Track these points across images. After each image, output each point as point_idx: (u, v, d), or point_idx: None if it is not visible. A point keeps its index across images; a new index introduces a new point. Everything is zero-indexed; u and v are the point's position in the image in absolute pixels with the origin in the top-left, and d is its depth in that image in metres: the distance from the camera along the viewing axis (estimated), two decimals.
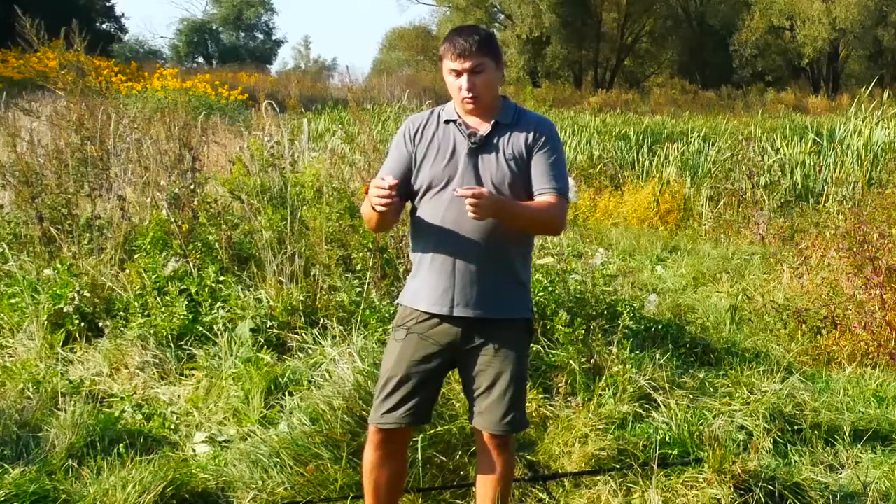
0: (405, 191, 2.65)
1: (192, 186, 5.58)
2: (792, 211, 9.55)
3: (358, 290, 4.55)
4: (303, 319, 4.42)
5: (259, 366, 3.93)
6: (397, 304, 2.80)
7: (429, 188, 2.60)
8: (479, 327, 2.60)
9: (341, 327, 4.25)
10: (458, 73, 2.54)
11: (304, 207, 5.02)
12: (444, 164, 2.58)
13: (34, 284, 4.84)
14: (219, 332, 4.24)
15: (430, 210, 2.60)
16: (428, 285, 2.61)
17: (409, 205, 2.74)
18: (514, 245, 2.60)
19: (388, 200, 2.43)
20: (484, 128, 2.60)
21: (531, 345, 3.89)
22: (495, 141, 2.59)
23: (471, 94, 2.54)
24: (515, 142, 2.60)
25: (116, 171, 5.96)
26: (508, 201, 2.54)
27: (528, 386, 3.71)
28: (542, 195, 2.59)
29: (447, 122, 2.63)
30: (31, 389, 4.08)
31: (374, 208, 2.47)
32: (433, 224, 2.58)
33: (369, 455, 2.74)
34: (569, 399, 3.77)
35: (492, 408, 2.63)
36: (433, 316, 2.61)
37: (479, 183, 2.55)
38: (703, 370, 4.37)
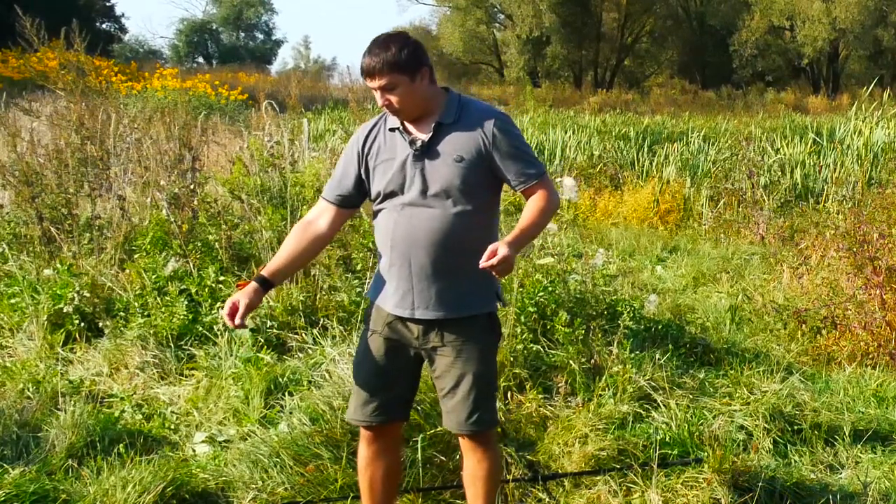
0: (353, 203, 2.72)
1: (192, 186, 5.57)
2: (792, 211, 9.53)
3: (358, 290, 4.55)
4: (303, 319, 4.42)
5: (259, 366, 3.93)
6: (366, 296, 2.83)
7: (383, 197, 2.61)
8: (437, 326, 2.61)
9: (341, 327, 4.26)
10: (374, 90, 2.53)
11: (304, 207, 5.02)
12: (392, 173, 2.57)
13: (34, 284, 4.84)
14: (219, 332, 4.25)
15: (385, 215, 2.61)
16: (391, 287, 2.63)
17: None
18: (469, 244, 2.53)
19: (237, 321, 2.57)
20: (426, 131, 2.57)
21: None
22: (439, 144, 2.56)
23: (389, 111, 2.55)
24: (460, 142, 2.55)
25: (116, 171, 5.96)
26: (517, 237, 2.51)
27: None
28: (522, 187, 2.60)
29: (391, 129, 2.62)
30: (31, 389, 4.08)
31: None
32: (389, 228, 2.59)
33: (362, 452, 2.78)
34: (569, 399, 3.77)
35: (457, 408, 2.64)
36: (396, 316, 2.63)
37: (427, 188, 2.54)
38: (703, 370, 4.37)
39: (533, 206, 2.59)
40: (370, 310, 2.73)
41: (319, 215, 2.72)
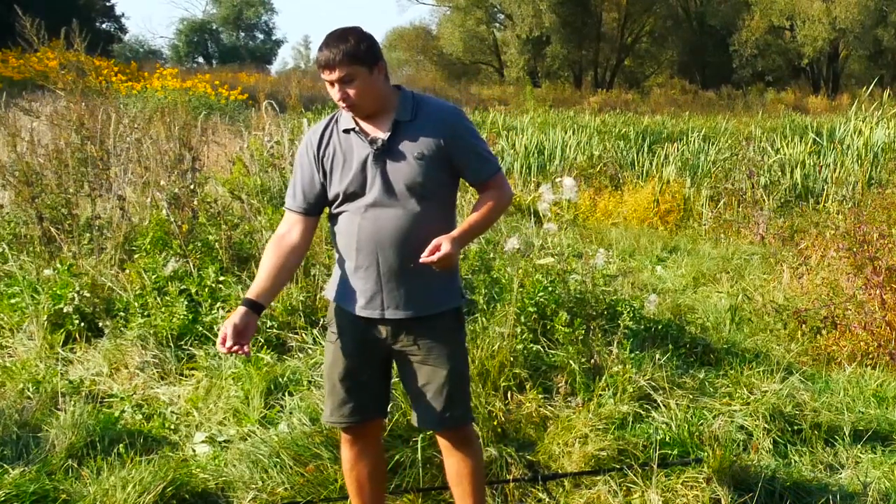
0: (318, 209, 2.66)
1: (192, 186, 5.57)
2: (792, 211, 9.53)
3: None
4: (303, 319, 4.43)
5: (259, 366, 3.93)
6: (325, 297, 2.79)
7: (343, 199, 2.57)
8: (407, 325, 2.59)
9: None
10: (331, 83, 2.49)
11: None
12: (351, 175, 2.54)
13: (34, 284, 4.85)
14: (219, 333, 4.23)
15: (347, 220, 2.58)
16: (356, 290, 2.59)
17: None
18: (434, 238, 2.51)
19: (233, 350, 2.50)
20: (383, 130, 2.54)
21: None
22: (399, 143, 2.53)
23: (345, 104, 2.50)
24: (420, 140, 2.53)
25: (116, 171, 5.95)
26: (464, 231, 2.53)
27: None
28: (478, 183, 2.63)
29: (346, 130, 2.58)
30: (31, 389, 4.08)
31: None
32: (352, 231, 2.56)
33: (345, 454, 2.79)
34: (569, 399, 3.77)
35: (429, 407, 2.64)
36: (364, 318, 2.61)
37: (390, 187, 2.52)
38: (703, 370, 4.37)
39: (485, 202, 2.61)
40: (333, 311, 2.70)
41: (290, 228, 2.66)
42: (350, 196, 2.56)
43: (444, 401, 2.62)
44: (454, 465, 2.73)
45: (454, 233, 2.50)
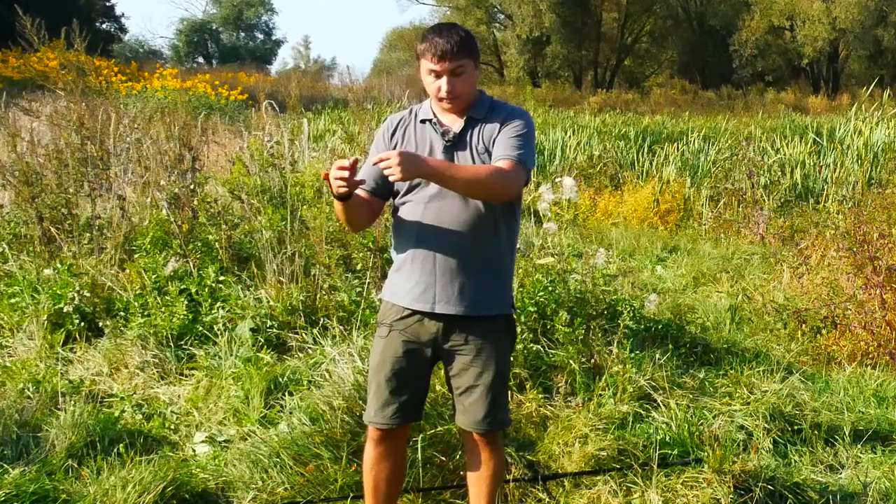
0: (383, 192, 2.66)
1: (192, 186, 5.58)
2: (792, 211, 9.53)
3: (358, 289, 4.55)
4: (303, 319, 4.42)
5: (259, 366, 3.93)
6: (380, 298, 2.80)
7: (409, 188, 2.60)
8: (459, 324, 2.60)
9: (341, 327, 4.26)
10: (438, 75, 2.52)
11: (304, 207, 5.03)
12: None
13: (34, 284, 4.85)
14: (219, 332, 4.25)
15: (410, 208, 2.60)
16: (410, 282, 2.61)
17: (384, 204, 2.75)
18: (494, 239, 2.60)
19: (343, 183, 2.39)
20: (457, 125, 2.60)
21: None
22: (468, 137, 2.59)
23: (450, 97, 2.53)
24: (486, 136, 2.59)
25: (116, 171, 5.95)
26: (434, 160, 2.45)
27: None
28: (498, 161, 2.53)
29: (423, 121, 2.63)
30: (31, 389, 4.08)
31: (332, 192, 2.45)
32: (413, 222, 2.59)
33: (369, 452, 2.78)
34: (569, 399, 3.77)
35: (474, 407, 2.65)
36: (415, 312, 2.62)
37: None
38: (703, 370, 4.37)
39: (480, 166, 2.53)
40: (385, 310, 2.71)
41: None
42: (415, 186, 2.58)
43: (489, 403, 2.64)
44: (477, 465, 2.74)
45: (421, 156, 2.43)
